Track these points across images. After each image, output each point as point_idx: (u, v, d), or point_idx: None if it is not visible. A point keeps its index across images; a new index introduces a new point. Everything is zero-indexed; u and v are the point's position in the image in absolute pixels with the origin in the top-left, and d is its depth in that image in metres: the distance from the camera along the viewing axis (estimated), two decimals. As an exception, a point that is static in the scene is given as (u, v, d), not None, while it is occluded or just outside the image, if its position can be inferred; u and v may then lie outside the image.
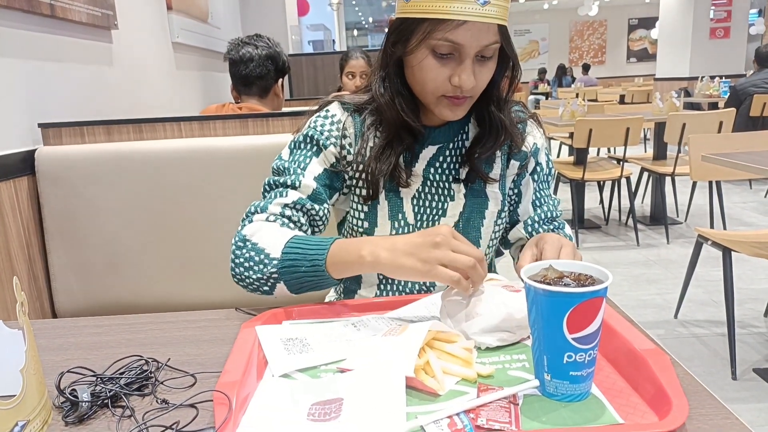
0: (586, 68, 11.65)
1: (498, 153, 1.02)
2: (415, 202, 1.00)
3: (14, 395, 0.57)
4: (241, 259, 0.89)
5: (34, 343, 0.62)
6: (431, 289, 1.03)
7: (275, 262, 0.85)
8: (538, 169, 1.05)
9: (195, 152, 1.48)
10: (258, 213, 0.94)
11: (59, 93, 1.69)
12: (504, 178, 1.04)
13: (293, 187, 0.95)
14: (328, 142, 0.98)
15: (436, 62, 0.88)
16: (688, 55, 7.86)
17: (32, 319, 0.88)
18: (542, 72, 12.28)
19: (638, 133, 3.69)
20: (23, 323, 0.60)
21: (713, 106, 5.85)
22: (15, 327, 0.62)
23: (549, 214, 1.04)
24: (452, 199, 1.01)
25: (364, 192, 1.00)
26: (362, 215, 1.02)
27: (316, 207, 0.96)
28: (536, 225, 1.04)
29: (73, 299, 1.52)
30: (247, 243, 0.89)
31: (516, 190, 1.05)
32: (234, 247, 0.91)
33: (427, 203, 1.01)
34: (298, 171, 0.96)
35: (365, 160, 0.98)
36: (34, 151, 1.48)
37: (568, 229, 1.06)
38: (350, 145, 1.00)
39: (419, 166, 1.00)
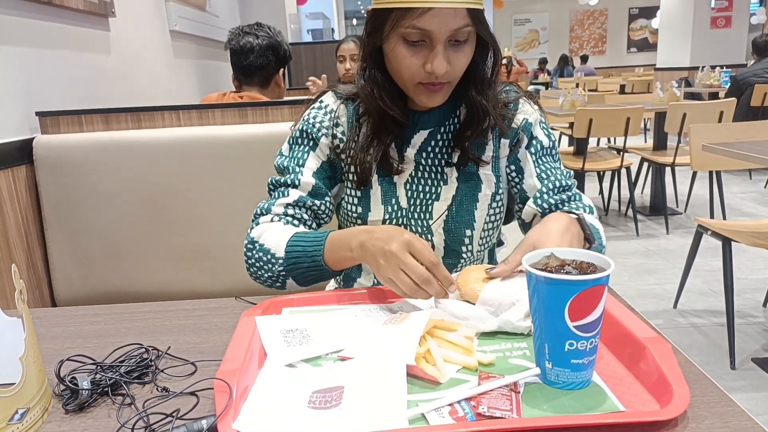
0: (584, 59, 11.61)
1: (489, 135, 1.01)
2: (408, 186, 1.01)
3: (14, 383, 0.57)
4: (253, 260, 0.95)
5: (33, 330, 0.62)
6: None
7: (281, 261, 0.91)
8: (534, 143, 1.02)
9: (194, 141, 1.47)
10: (263, 215, 0.99)
11: (56, 81, 1.68)
12: (497, 159, 1.03)
13: (293, 185, 0.99)
14: (320, 134, 1.01)
15: (408, 50, 0.88)
16: (689, 44, 7.81)
17: (32, 308, 0.88)
18: (543, 62, 12.22)
19: (638, 123, 3.67)
20: (22, 311, 0.60)
21: (714, 96, 5.83)
22: (14, 315, 0.61)
23: (558, 183, 1.00)
24: (445, 183, 1.01)
25: (356, 177, 1.01)
26: (355, 200, 1.03)
27: (317, 202, 1.00)
28: (546, 196, 0.99)
29: (73, 288, 1.52)
30: (256, 245, 0.95)
31: (514, 167, 1.03)
32: (245, 249, 0.97)
33: (420, 188, 1.01)
34: (297, 169, 1.00)
35: (355, 147, 0.99)
36: (31, 139, 1.47)
37: (585, 199, 1.02)
38: (343, 133, 1.02)
39: (411, 151, 1.00)
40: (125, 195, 1.48)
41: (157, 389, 0.66)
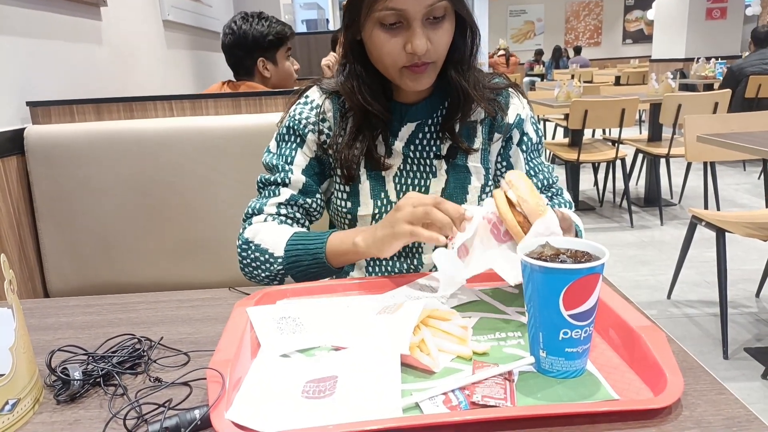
0: (577, 50, 11.61)
1: (478, 126, 1.01)
2: (397, 180, 1.01)
3: (3, 374, 0.57)
4: (248, 260, 0.95)
5: (23, 321, 0.61)
6: (419, 268, 1.03)
7: (280, 260, 0.92)
8: (525, 139, 1.04)
9: (187, 132, 1.46)
10: (256, 215, 0.99)
11: (47, 71, 1.66)
12: (486, 152, 1.03)
13: (284, 184, 0.99)
14: (306, 130, 1.00)
15: (386, 34, 0.88)
16: (684, 36, 7.81)
17: (24, 299, 0.88)
18: (539, 53, 12.19)
19: (633, 115, 3.67)
20: (12, 301, 0.59)
21: (708, 87, 5.83)
22: (4, 305, 0.61)
23: (546, 182, 1.04)
24: (434, 175, 1.01)
25: (343, 173, 1.01)
26: (344, 195, 1.02)
27: (309, 200, 1.00)
28: None
29: (65, 280, 1.51)
30: (251, 245, 0.95)
31: (505, 164, 1.04)
32: (239, 249, 0.97)
33: (409, 181, 1.01)
34: (287, 167, 1.00)
35: (341, 143, 0.99)
36: (22, 130, 1.46)
37: (566, 195, 1.06)
38: (329, 128, 1.01)
39: (399, 144, 1.00)
40: (117, 186, 1.46)
41: (149, 379, 0.66)
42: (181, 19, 2.80)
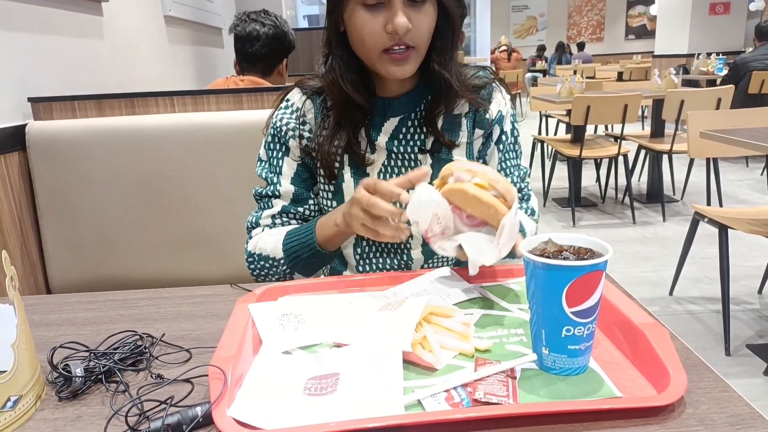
0: (580, 46, 11.58)
1: (463, 120, 1.01)
2: (381, 176, 1.00)
3: (5, 371, 0.57)
4: (257, 269, 1.01)
5: (25, 317, 0.61)
6: (409, 263, 1.03)
7: (282, 261, 0.97)
8: (503, 138, 1.03)
9: (188, 127, 1.46)
10: (254, 228, 1.04)
11: (49, 67, 1.65)
12: (470, 146, 1.02)
13: (275, 196, 1.02)
14: (288, 136, 1.01)
15: (367, 14, 0.87)
16: (687, 31, 7.78)
17: (26, 295, 0.88)
18: (541, 49, 12.16)
19: (636, 111, 3.66)
20: (13, 297, 0.59)
21: (711, 83, 5.81)
22: (5, 302, 0.61)
23: (515, 186, 1.03)
24: None
25: (324, 171, 1.01)
26: (329, 194, 1.03)
27: (300, 209, 1.03)
28: None
29: (67, 275, 1.51)
30: (255, 255, 1.01)
31: (481, 161, 1.04)
32: (247, 263, 1.02)
33: (393, 177, 1.00)
34: (275, 179, 1.02)
35: (321, 140, 0.99)
36: (24, 125, 1.45)
37: (533, 201, 1.06)
38: (310, 131, 1.01)
39: (382, 140, 0.99)
40: (119, 182, 1.46)
41: (151, 376, 0.65)
42: (182, 14, 2.80)
